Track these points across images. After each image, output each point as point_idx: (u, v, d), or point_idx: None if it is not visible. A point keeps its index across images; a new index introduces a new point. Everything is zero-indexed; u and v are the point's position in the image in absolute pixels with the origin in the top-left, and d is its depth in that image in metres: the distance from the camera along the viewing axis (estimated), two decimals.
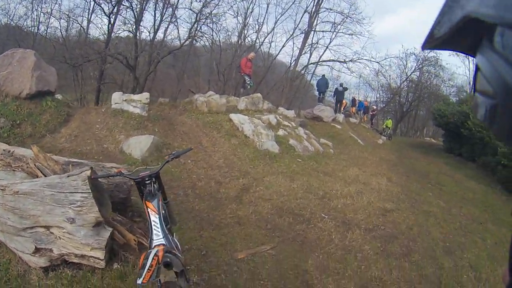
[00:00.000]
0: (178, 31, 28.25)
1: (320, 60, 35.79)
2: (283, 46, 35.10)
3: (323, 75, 27.16)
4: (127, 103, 11.50)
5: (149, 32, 26.36)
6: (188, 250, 5.66)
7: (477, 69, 0.70)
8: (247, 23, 33.35)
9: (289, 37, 34.12)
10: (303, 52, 33.83)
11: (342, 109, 28.08)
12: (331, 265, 6.02)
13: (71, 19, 26.86)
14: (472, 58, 0.74)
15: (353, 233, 7.37)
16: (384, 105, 49.58)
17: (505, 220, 10.80)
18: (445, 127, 26.02)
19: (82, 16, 27.18)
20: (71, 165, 5.47)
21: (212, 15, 26.45)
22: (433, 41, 0.75)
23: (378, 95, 52.20)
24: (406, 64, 43.55)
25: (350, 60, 33.31)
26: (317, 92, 27.11)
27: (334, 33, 33.53)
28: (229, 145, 11.84)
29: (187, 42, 27.12)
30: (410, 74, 44.53)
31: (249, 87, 17.59)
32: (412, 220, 8.76)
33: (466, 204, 11.74)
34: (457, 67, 64.67)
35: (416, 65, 43.19)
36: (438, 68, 41.58)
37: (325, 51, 35.00)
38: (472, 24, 0.60)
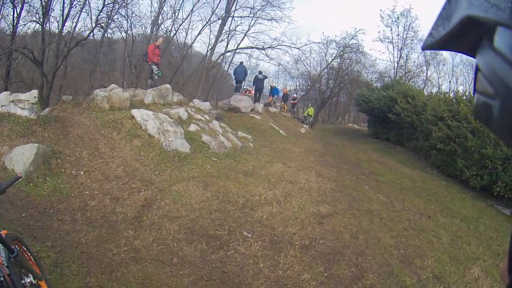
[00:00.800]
0: (91, 20, 25.44)
1: (238, 47, 34.30)
2: (199, 34, 33.36)
3: (241, 63, 25.09)
4: (14, 104, 9.36)
5: (57, 22, 24.03)
6: None
7: (477, 69, 0.62)
8: (162, 10, 31.62)
9: (206, 24, 32.36)
10: (220, 40, 32.38)
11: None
12: None
13: None
14: (473, 58, 0.66)
15: (287, 256, 5.79)
16: (304, 93, 49.34)
17: (454, 209, 10.27)
18: (370, 112, 25.82)
19: None
20: None
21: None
22: (433, 42, 0.69)
23: (298, 83, 52.26)
24: (327, 51, 43.63)
25: (269, 47, 32.06)
26: (235, 81, 25.14)
27: (253, 19, 32.42)
28: (130, 148, 9.72)
29: (95, 31, 25.42)
30: (331, 61, 43.85)
31: (157, 77, 15.60)
32: (355, 225, 7.38)
33: (408, 195, 10.84)
34: (381, 53, 64.65)
35: (337, 52, 42.45)
36: (359, 54, 40.95)
37: (243, 38, 33.77)
38: (472, 24, 0.58)
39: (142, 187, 7.91)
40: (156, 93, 13.67)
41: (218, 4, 31.37)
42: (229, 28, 32.64)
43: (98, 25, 24.34)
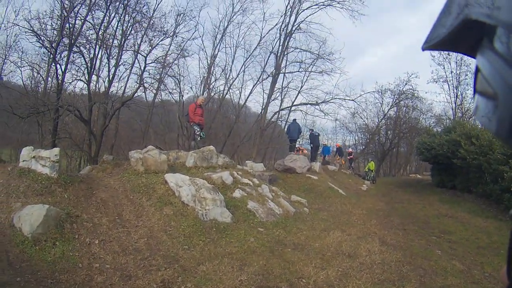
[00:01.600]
0: (141, 80, 25.37)
1: (292, 105, 33.84)
2: (251, 93, 33.44)
3: (294, 120, 23.90)
4: (35, 161, 9.02)
5: (103, 81, 25.07)
6: None
7: (477, 69, 0.65)
8: (212, 71, 31.96)
9: (257, 82, 32.36)
10: (274, 98, 32.44)
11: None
12: None
13: (29, 66, 25.41)
14: (473, 59, 0.69)
15: None
16: (364, 147, 47.81)
17: None
18: (433, 160, 23.69)
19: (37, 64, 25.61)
20: None
21: (164, 58, 26.17)
22: (434, 42, 0.73)
23: (356, 138, 51.01)
24: (383, 101, 43.28)
25: (323, 101, 31.18)
26: (289, 140, 23.72)
27: (305, 74, 32.29)
28: (159, 217, 8.59)
29: (139, 91, 25.69)
30: (388, 111, 43.28)
31: (199, 138, 14.67)
32: None
33: (485, 256, 9.30)
34: (437, 94, 62.15)
35: (393, 100, 41.92)
36: (415, 100, 40.20)
37: (297, 95, 33.42)
38: (472, 25, 0.61)
39: (163, 264, 6.64)
40: (199, 156, 12.77)
41: (267, 61, 31.05)
42: (282, 85, 32.63)
43: (142, 86, 24.61)
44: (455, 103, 38.29)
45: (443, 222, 13.35)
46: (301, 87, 32.73)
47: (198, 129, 14.49)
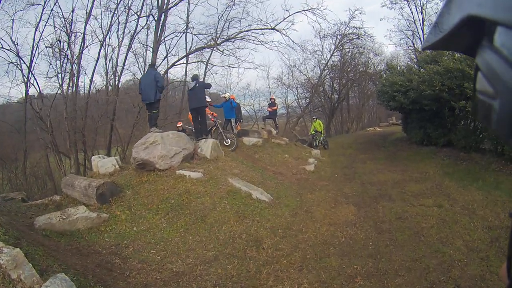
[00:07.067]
0: None
1: (182, 57, 25.43)
2: (129, 50, 23.05)
3: (150, 65, 12.07)
4: None
5: None
6: None
7: (477, 69, 0.67)
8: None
9: (134, 34, 22.88)
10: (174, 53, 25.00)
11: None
12: None
13: None
14: (473, 57, 0.69)
15: None
16: (308, 101, 39.69)
17: None
18: (411, 106, 15.31)
19: None
20: None
21: None
22: (434, 41, 0.74)
23: (297, 93, 42.55)
24: (323, 48, 37.51)
25: (227, 39, 22.98)
26: (145, 105, 12.14)
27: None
28: None
29: None
30: (330, 58, 35.67)
31: None
32: None
33: None
34: (397, 20, 51.83)
35: (335, 45, 34.64)
36: (362, 39, 32.92)
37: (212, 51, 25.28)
38: (472, 24, 0.62)
39: None
40: None
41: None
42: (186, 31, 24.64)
43: None
44: (422, 23, 31.93)
45: None
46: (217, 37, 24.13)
47: None
